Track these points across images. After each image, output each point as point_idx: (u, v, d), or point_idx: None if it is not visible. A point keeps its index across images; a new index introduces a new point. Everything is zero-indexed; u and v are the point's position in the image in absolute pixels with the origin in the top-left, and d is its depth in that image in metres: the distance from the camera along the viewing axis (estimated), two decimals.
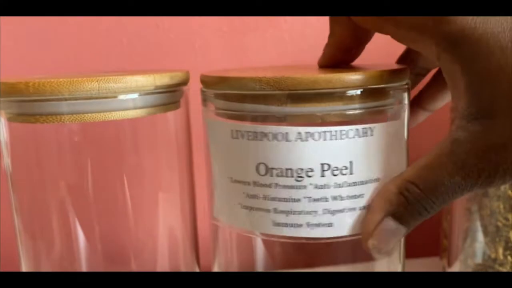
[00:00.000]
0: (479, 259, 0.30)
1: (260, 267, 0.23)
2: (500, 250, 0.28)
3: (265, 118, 0.19)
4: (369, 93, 0.19)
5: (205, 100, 0.22)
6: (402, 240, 0.23)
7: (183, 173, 0.26)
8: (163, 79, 0.22)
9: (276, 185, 0.19)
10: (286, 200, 0.19)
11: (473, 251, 0.30)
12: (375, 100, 0.19)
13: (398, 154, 0.20)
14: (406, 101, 0.21)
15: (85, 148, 0.26)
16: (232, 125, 0.19)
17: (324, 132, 0.18)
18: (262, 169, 0.19)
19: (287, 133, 0.18)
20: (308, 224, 0.19)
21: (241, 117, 0.19)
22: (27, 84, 0.20)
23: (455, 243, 0.31)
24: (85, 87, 0.20)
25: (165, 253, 0.28)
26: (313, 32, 0.41)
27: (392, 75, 0.20)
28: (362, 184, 0.19)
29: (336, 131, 0.18)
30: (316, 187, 0.18)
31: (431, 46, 0.16)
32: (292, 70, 0.22)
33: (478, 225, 0.29)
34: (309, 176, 0.18)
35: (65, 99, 0.20)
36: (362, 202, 0.19)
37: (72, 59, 0.40)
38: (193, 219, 0.27)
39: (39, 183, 0.26)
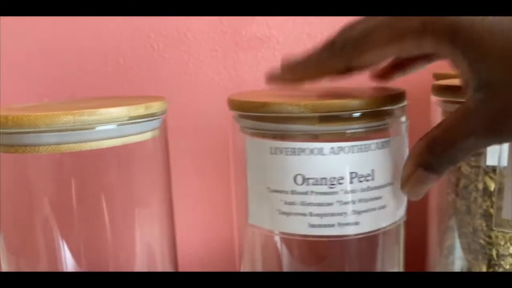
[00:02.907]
0: None
1: (284, 266, 0.29)
2: (484, 268, 0.31)
3: (298, 136, 0.25)
4: (382, 113, 0.25)
5: (240, 122, 0.27)
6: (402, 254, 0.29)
7: (161, 192, 0.30)
8: (137, 110, 0.24)
9: (312, 192, 0.23)
10: (320, 204, 0.24)
11: (458, 269, 0.32)
12: (385, 118, 0.25)
13: (403, 161, 0.26)
14: (406, 118, 0.27)
15: (68, 169, 0.28)
16: (271, 143, 0.24)
17: (353, 146, 0.23)
18: (299, 179, 0.24)
19: (322, 148, 0.23)
20: (339, 224, 0.24)
21: (276, 136, 0.25)
22: (6, 118, 0.22)
23: (436, 260, 0.34)
24: (60, 120, 0.22)
25: (144, 268, 0.30)
26: (304, 50, 0.47)
27: (399, 97, 0.26)
28: (381, 187, 0.24)
29: (362, 145, 0.23)
30: (346, 192, 0.23)
31: (431, 44, 0.20)
32: (317, 93, 0.27)
33: (459, 242, 0.32)
34: (340, 183, 0.23)
35: (42, 132, 0.23)
36: (381, 202, 0.25)
37: (72, 78, 0.43)
38: (172, 234, 0.31)
39: (22, 203, 0.28)
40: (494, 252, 0.30)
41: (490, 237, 0.30)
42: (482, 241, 0.30)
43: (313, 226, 0.24)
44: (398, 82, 0.43)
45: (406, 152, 0.25)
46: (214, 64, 0.45)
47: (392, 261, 0.28)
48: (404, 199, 0.26)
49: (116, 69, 0.44)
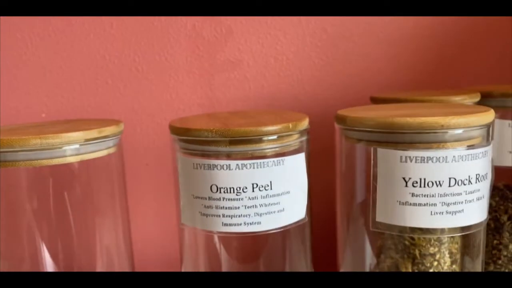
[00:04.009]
0: None
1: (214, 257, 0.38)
2: (409, 266, 0.36)
3: (215, 154, 0.33)
4: (282, 137, 0.33)
5: (174, 142, 0.35)
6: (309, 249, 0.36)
7: (118, 197, 0.38)
8: (91, 134, 0.33)
9: (224, 198, 0.32)
10: (230, 208, 0.32)
11: (387, 266, 0.37)
12: (286, 140, 0.33)
13: (301, 175, 0.34)
14: (306, 140, 0.35)
15: (45, 182, 0.37)
16: (193, 160, 0.32)
17: (253, 163, 0.31)
18: (214, 188, 0.32)
19: (230, 164, 0.31)
20: (245, 223, 0.32)
21: (198, 154, 0.33)
22: None
23: (347, 257, 0.39)
24: (31, 143, 0.31)
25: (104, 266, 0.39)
26: (271, 72, 0.53)
27: (300, 124, 0.34)
28: (279, 195, 0.32)
29: (261, 162, 0.31)
30: (249, 198, 0.32)
31: None
32: (235, 119, 0.35)
33: (390, 243, 0.37)
34: (244, 192, 0.32)
35: (18, 151, 0.31)
36: (279, 207, 0.33)
37: (66, 96, 0.52)
38: (129, 238, 0.39)
39: (8, 211, 0.37)
40: (417, 252, 0.36)
41: (413, 238, 0.36)
42: (407, 242, 0.36)
43: (225, 224, 0.33)
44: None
45: (303, 167, 0.34)
46: (192, 84, 0.53)
47: (300, 255, 0.37)
48: (302, 204, 0.34)
49: (105, 88, 0.53)
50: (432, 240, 0.37)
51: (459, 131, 0.31)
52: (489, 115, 0.32)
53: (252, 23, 0.53)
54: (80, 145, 0.33)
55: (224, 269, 0.38)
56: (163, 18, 0.51)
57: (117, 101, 0.53)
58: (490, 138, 0.33)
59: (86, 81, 0.53)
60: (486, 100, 0.45)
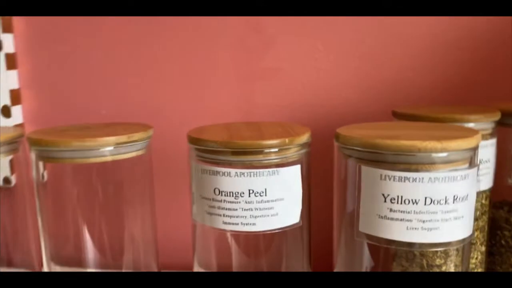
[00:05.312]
0: None
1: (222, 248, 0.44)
2: None
3: (219, 162, 0.39)
4: (281, 150, 0.38)
5: (190, 149, 0.41)
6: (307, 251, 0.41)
7: (148, 196, 0.45)
8: (122, 139, 0.39)
9: (224, 201, 0.37)
10: (230, 209, 0.37)
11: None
12: (284, 153, 0.38)
13: (295, 184, 0.38)
14: (305, 152, 0.40)
15: (86, 176, 0.45)
16: (202, 166, 0.38)
17: (250, 172, 0.37)
18: (217, 191, 0.37)
19: (230, 172, 0.37)
20: (242, 223, 0.37)
21: (206, 161, 0.39)
22: (40, 140, 0.39)
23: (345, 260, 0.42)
24: (73, 144, 0.38)
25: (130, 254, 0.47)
26: (309, 80, 0.57)
27: (298, 138, 0.39)
28: (273, 201, 0.37)
29: (257, 171, 0.36)
30: (246, 202, 0.37)
31: None
32: (244, 131, 0.40)
33: (401, 252, 0.39)
34: (242, 196, 0.37)
35: (63, 150, 0.38)
36: (273, 211, 0.37)
37: (123, 97, 0.60)
38: (154, 230, 0.46)
39: (57, 197, 0.45)
40: (424, 262, 0.39)
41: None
42: (416, 252, 0.39)
43: (225, 223, 0.38)
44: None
45: (298, 177, 0.39)
46: (234, 90, 0.59)
47: (298, 257, 0.42)
48: (296, 210, 0.39)
49: (156, 92, 0.60)
50: (439, 252, 0.40)
51: (443, 154, 0.34)
52: (471, 141, 0.34)
53: (292, 33, 0.57)
54: (113, 147, 0.40)
55: (231, 260, 0.44)
56: (210, 28, 0.57)
57: (167, 105, 0.60)
58: (476, 161, 0.36)
59: (139, 85, 0.60)
60: (510, 118, 0.46)
